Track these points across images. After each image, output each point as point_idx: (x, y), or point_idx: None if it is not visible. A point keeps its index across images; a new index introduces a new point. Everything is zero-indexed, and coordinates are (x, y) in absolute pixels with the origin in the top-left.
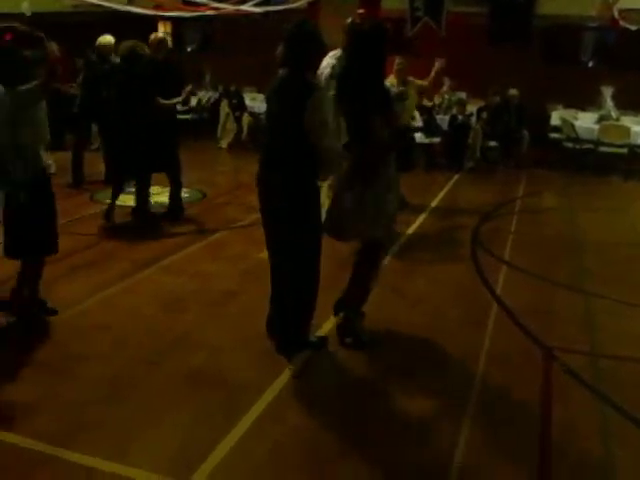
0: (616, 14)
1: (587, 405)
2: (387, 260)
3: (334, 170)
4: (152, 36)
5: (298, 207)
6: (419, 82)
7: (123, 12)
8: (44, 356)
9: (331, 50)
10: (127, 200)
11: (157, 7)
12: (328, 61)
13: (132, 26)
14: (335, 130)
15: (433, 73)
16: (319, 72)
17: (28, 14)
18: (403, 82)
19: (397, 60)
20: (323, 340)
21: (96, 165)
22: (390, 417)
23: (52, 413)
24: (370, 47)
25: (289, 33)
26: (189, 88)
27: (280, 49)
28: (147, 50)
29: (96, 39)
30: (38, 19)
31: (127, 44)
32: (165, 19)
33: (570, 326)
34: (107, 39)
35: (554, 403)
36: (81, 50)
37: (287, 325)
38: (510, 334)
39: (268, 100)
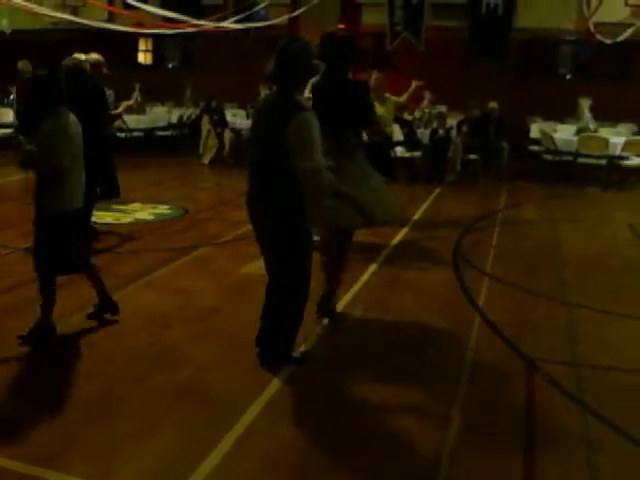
0: (592, 28)
1: (569, 414)
2: (369, 272)
3: (316, 194)
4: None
5: (286, 225)
6: (395, 99)
7: (103, 29)
8: (26, 373)
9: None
10: (105, 217)
11: (138, 24)
12: None
13: (113, 43)
14: (319, 151)
15: (410, 91)
16: None
17: (7, 32)
18: (379, 98)
19: (374, 75)
20: (306, 355)
21: None
22: (376, 428)
23: (34, 432)
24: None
25: (279, 49)
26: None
27: (269, 64)
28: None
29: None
30: (17, 36)
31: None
32: (146, 36)
33: (552, 337)
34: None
35: (537, 413)
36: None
37: (276, 338)
38: (493, 346)
39: (255, 118)
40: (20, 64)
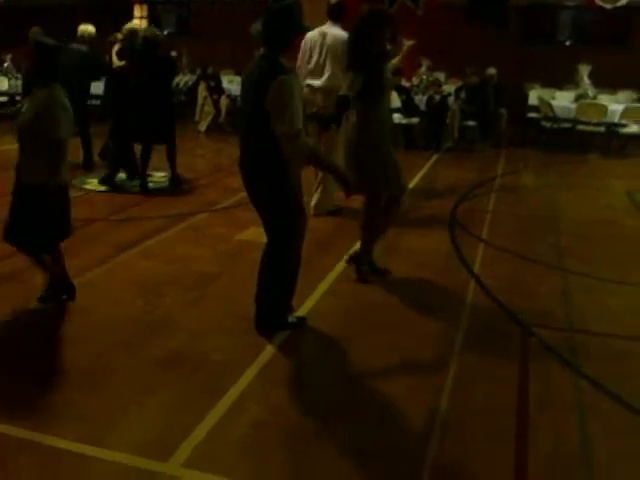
0: None
1: (563, 379)
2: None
3: (294, 157)
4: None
5: (272, 191)
6: (392, 62)
7: None
8: (20, 340)
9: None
10: (100, 186)
11: None
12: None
13: (107, 10)
14: (301, 116)
15: (403, 52)
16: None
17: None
18: None
19: None
20: (302, 321)
21: (70, 151)
22: (368, 394)
23: (28, 397)
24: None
25: (268, 10)
26: None
27: (255, 26)
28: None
29: (72, 24)
30: (15, 3)
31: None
32: (141, 2)
33: (547, 302)
34: (89, 28)
35: (531, 378)
36: (58, 35)
37: (267, 304)
38: (488, 311)
39: (242, 81)
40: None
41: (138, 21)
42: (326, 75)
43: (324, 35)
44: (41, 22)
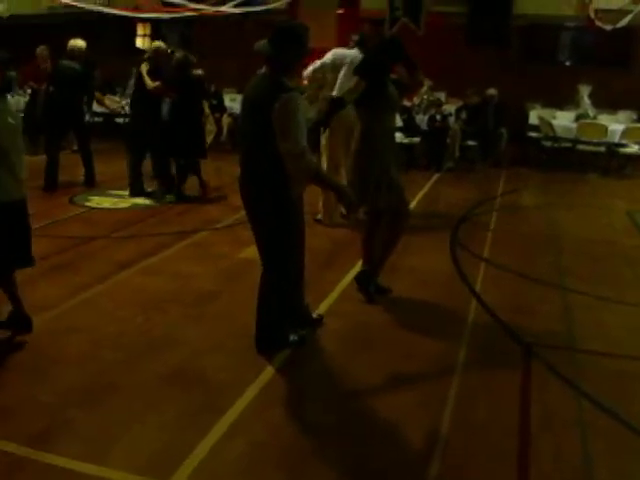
0: (592, 14)
1: (564, 398)
2: None
3: (299, 177)
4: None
5: (274, 208)
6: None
7: (102, 14)
8: (20, 359)
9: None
10: (103, 202)
11: (136, 9)
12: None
13: (111, 28)
14: (304, 134)
15: (421, 94)
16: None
17: (5, 16)
18: None
19: None
20: (303, 338)
21: (72, 168)
22: (369, 413)
23: (29, 416)
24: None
25: (275, 31)
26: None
27: (261, 43)
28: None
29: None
30: (15, 21)
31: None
32: (144, 20)
33: (548, 321)
34: (79, 42)
35: (532, 396)
36: (58, 52)
37: (268, 323)
38: (489, 330)
39: (243, 99)
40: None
41: (141, 40)
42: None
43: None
44: (44, 39)
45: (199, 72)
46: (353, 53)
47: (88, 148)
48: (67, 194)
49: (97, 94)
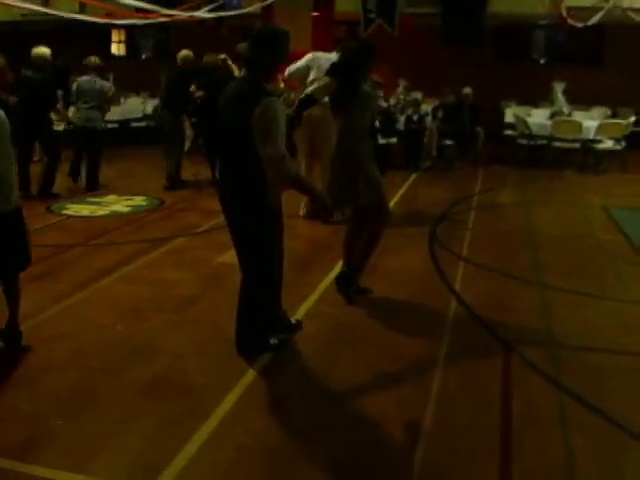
0: (564, 12)
1: (545, 394)
2: None
3: (277, 180)
4: None
5: (252, 211)
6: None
7: (75, 21)
8: (2, 368)
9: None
10: (81, 210)
11: (109, 15)
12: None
13: (85, 35)
14: (283, 139)
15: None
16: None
17: None
18: None
19: None
20: (283, 342)
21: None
22: (352, 414)
23: (10, 426)
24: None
25: (255, 35)
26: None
27: (243, 45)
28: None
29: (50, 48)
30: None
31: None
32: (118, 27)
33: (527, 318)
34: (41, 50)
35: (513, 394)
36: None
37: (248, 327)
38: (469, 328)
39: (222, 104)
40: None
41: (116, 46)
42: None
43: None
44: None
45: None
46: (330, 57)
47: (54, 158)
48: (44, 203)
49: (58, 106)
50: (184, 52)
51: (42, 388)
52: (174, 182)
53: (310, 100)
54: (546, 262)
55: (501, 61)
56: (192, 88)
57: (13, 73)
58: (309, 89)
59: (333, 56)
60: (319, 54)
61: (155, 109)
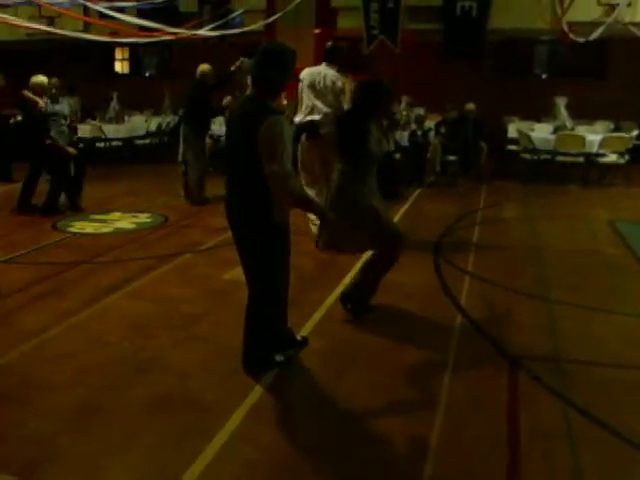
0: (565, 27)
1: (553, 409)
2: (351, 274)
3: (282, 197)
4: None
5: (259, 229)
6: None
7: (79, 40)
8: (9, 386)
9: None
10: (85, 227)
11: (113, 34)
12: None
13: (89, 53)
14: (289, 156)
15: None
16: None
17: None
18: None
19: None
20: (289, 358)
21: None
22: (359, 430)
23: (17, 444)
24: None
25: (261, 53)
26: None
27: (247, 61)
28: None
29: (52, 66)
30: None
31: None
32: (122, 45)
33: (534, 333)
34: (39, 78)
35: (521, 410)
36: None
37: (254, 344)
38: (475, 344)
39: (228, 122)
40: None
41: (120, 64)
42: (315, 114)
43: (324, 76)
44: (24, 65)
45: None
46: (319, 70)
47: (58, 176)
48: (50, 220)
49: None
50: (203, 66)
51: (49, 406)
52: (195, 198)
53: (312, 127)
54: (552, 277)
55: (503, 76)
56: (226, 101)
57: (15, 91)
58: (302, 114)
59: (319, 69)
60: (307, 70)
61: (167, 125)
